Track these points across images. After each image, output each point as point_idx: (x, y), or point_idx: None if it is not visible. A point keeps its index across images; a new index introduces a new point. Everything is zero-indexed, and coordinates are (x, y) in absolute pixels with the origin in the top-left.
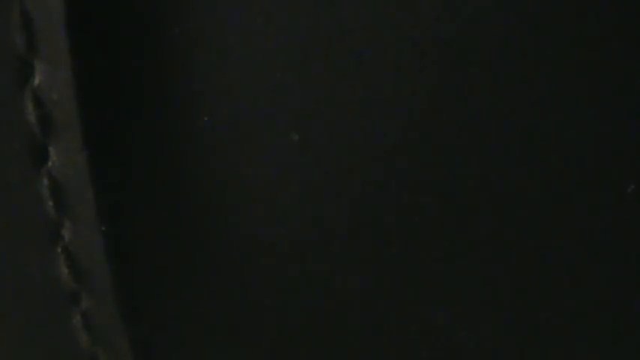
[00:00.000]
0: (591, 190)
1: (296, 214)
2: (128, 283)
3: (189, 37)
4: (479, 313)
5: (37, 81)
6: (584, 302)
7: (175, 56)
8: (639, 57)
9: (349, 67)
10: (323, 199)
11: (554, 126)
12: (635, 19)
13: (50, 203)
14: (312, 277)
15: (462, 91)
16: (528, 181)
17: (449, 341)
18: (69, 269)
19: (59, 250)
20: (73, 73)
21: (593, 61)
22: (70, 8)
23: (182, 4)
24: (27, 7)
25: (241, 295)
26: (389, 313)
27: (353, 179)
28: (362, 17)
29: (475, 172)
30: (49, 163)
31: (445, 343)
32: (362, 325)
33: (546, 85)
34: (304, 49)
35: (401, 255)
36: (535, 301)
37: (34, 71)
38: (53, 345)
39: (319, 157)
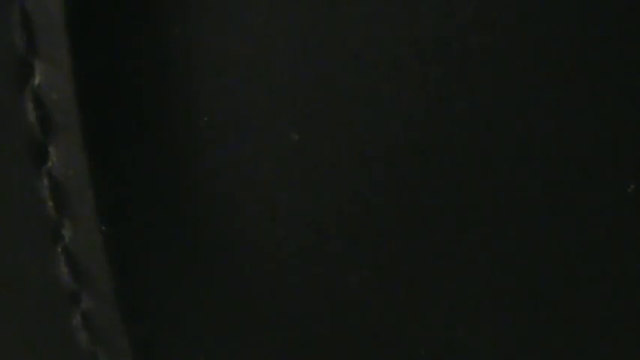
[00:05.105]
0: (591, 190)
1: (296, 214)
2: (128, 283)
3: (189, 37)
4: (479, 313)
5: (37, 81)
6: (584, 302)
7: (175, 56)
8: (639, 57)
9: (349, 67)
10: (323, 199)
11: (555, 126)
12: (635, 19)
13: (50, 203)
14: (311, 276)
15: (461, 90)
16: (528, 180)
17: (449, 341)
18: (69, 269)
19: (59, 250)
20: (73, 73)
21: (593, 61)
22: (69, 8)
23: (182, 4)
24: (27, 7)
25: (241, 294)
26: (389, 313)
27: (353, 179)
28: (362, 17)
29: (475, 172)
30: (49, 163)
31: (445, 343)
32: (362, 324)
33: (546, 85)
34: (304, 49)
35: (401, 255)
36: (535, 301)
37: (34, 71)
38: (53, 345)
39: (319, 157)
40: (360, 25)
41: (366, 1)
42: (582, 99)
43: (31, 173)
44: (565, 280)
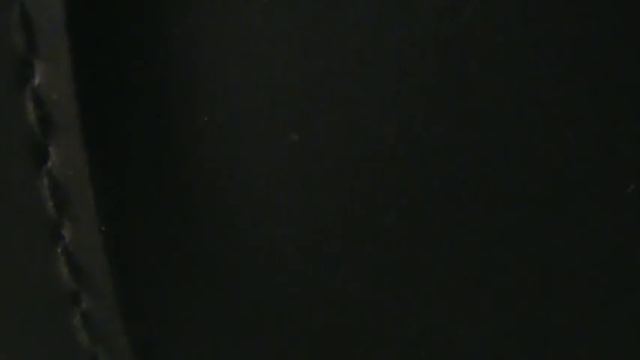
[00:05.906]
0: (591, 190)
1: (296, 214)
2: (128, 283)
3: (189, 37)
4: (479, 313)
5: (37, 81)
6: (583, 302)
7: (175, 56)
8: (639, 57)
9: (349, 67)
10: (323, 199)
11: (554, 126)
12: (635, 19)
13: (50, 203)
14: (312, 277)
15: (461, 91)
16: (528, 180)
17: (449, 341)
18: (69, 269)
19: (59, 250)
20: (73, 73)
21: (593, 61)
22: (70, 8)
23: (182, 4)
24: (27, 7)
25: (241, 295)
26: (389, 313)
27: (353, 179)
28: (362, 17)
29: (475, 172)
30: (49, 163)
31: (445, 343)
32: (362, 325)
33: (546, 85)
34: (304, 49)
35: (401, 255)
36: (535, 301)
37: (34, 71)
38: (53, 345)
39: (319, 157)
40: (360, 25)
41: (366, 1)
42: (582, 99)
43: (31, 173)
44: (565, 280)
